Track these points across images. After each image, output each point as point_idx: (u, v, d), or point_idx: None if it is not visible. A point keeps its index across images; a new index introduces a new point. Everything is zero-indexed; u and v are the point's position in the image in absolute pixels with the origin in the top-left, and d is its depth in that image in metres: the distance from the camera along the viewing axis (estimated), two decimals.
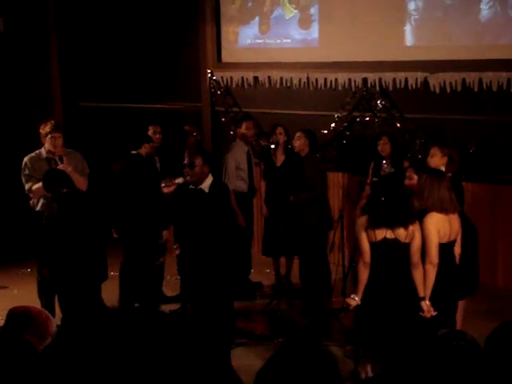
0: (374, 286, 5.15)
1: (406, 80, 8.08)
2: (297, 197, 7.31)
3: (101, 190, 6.94)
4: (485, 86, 7.61)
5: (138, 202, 6.70)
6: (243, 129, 7.73)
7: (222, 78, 9.34)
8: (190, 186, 6.11)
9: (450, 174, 5.83)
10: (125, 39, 10.02)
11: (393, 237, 5.08)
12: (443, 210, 5.16)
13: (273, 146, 7.58)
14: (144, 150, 6.89)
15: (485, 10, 7.61)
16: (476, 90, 7.67)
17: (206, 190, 6.00)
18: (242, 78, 9.20)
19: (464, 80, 7.73)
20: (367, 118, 8.37)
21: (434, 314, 5.12)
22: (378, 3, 8.22)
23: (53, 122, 6.86)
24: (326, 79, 8.62)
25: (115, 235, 7.02)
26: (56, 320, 5.15)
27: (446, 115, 7.91)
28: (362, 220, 5.20)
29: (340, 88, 8.54)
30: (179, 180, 6.19)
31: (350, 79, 8.45)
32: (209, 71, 9.39)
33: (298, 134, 7.40)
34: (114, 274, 7.22)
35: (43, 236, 6.41)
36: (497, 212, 7.66)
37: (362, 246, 5.14)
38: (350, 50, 8.38)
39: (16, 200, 7.76)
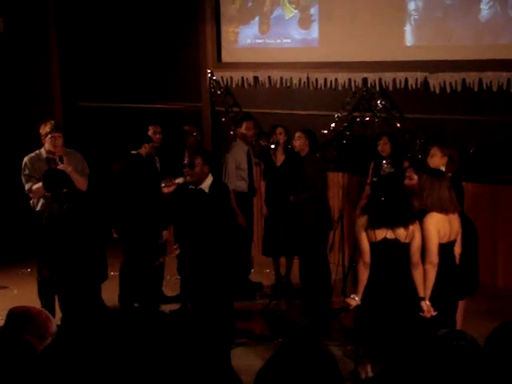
0: (374, 286, 5.14)
1: (406, 80, 8.08)
2: (297, 197, 7.31)
3: (101, 190, 6.94)
4: (485, 86, 7.61)
5: (138, 202, 6.70)
6: (243, 129, 7.73)
7: (222, 77, 9.34)
8: (190, 186, 6.10)
9: (449, 174, 5.83)
10: (125, 39, 10.02)
11: (393, 237, 5.08)
12: (443, 209, 5.16)
13: (273, 146, 7.58)
14: (144, 150, 6.89)
15: (485, 10, 7.61)
16: (476, 90, 7.67)
17: (206, 190, 6.00)
18: (242, 77, 9.20)
19: (464, 80, 7.73)
20: (367, 118, 8.37)
21: (434, 314, 5.12)
22: (377, 3, 8.22)
23: (53, 122, 6.85)
24: (326, 79, 8.62)
25: (115, 235, 7.02)
26: (56, 320, 5.15)
27: (445, 115, 7.91)
28: (362, 220, 5.20)
29: (340, 88, 8.54)
30: (179, 180, 6.19)
31: (350, 79, 8.46)
32: (209, 71, 9.39)
33: (297, 134, 7.40)
34: (114, 273, 7.23)
35: (43, 236, 6.41)
36: (497, 212, 7.66)
37: (361, 246, 5.14)
38: (350, 50, 8.38)
39: (16, 200, 7.76)
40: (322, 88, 8.66)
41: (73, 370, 1.62)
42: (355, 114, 8.48)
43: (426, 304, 5.11)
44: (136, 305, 6.89)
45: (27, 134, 9.04)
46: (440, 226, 5.15)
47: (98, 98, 10.34)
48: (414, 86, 8.04)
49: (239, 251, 7.53)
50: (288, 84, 8.90)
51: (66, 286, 6.35)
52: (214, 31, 9.32)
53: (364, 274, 5.16)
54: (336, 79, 8.55)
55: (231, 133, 8.96)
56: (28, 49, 9.98)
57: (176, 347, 1.68)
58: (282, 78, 8.93)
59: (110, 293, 6.96)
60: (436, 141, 7.16)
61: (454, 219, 5.25)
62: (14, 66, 9.92)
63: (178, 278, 7.25)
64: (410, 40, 8.18)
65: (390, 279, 5.10)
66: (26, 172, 6.67)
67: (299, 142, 7.37)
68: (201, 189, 5.99)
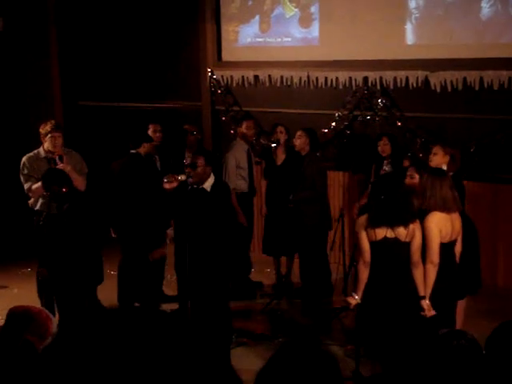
0: (375, 285, 5.14)
1: (407, 79, 8.07)
2: (296, 196, 7.30)
3: (100, 189, 6.93)
4: (486, 85, 7.61)
5: (137, 202, 6.69)
6: (243, 128, 7.72)
7: (222, 76, 9.34)
8: (193, 186, 6.08)
9: (451, 173, 5.82)
10: (125, 38, 10.01)
11: (393, 236, 5.07)
12: (445, 209, 5.15)
13: (274, 145, 7.57)
14: (143, 149, 6.88)
15: (486, 9, 7.60)
16: (477, 88, 7.67)
17: (208, 190, 5.99)
18: (243, 76, 9.20)
19: (465, 79, 7.72)
20: (368, 117, 8.36)
21: (434, 313, 5.11)
22: (378, 2, 8.22)
23: (53, 121, 6.84)
24: (326, 78, 8.61)
25: (113, 235, 7.01)
26: (56, 320, 5.14)
27: (446, 114, 7.90)
28: (362, 219, 5.19)
29: (341, 87, 8.54)
30: (182, 177, 6.17)
31: (350, 78, 8.45)
32: (209, 70, 9.38)
33: (298, 133, 7.40)
34: (113, 273, 7.23)
35: (42, 236, 6.40)
36: (497, 211, 7.66)
37: (362, 245, 5.13)
38: (351, 49, 8.38)
39: (16, 200, 7.75)
40: (323, 87, 8.66)
41: (73, 369, 1.62)
42: (356, 112, 8.47)
43: (426, 303, 5.10)
44: (136, 304, 6.88)
45: (27, 134, 9.04)
46: (442, 226, 5.14)
47: (98, 97, 10.34)
48: (414, 85, 8.03)
49: (239, 250, 7.53)
50: (288, 83, 8.89)
51: (63, 286, 6.34)
52: (214, 30, 9.31)
53: (364, 273, 5.15)
54: (337, 78, 8.54)
55: (231, 132, 8.95)
56: (28, 48, 9.97)
57: (176, 347, 1.68)
58: (282, 77, 8.92)
59: (109, 292, 6.95)
60: (438, 140, 7.15)
61: (456, 219, 5.24)
62: (13, 65, 9.91)
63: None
64: (411, 38, 8.17)
65: (390, 278, 5.10)
66: (25, 172, 6.66)
67: (300, 140, 7.36)
68: (203, 188, 5.98)
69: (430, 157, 6.27)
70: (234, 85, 9.29)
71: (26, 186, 6.66)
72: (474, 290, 6.02)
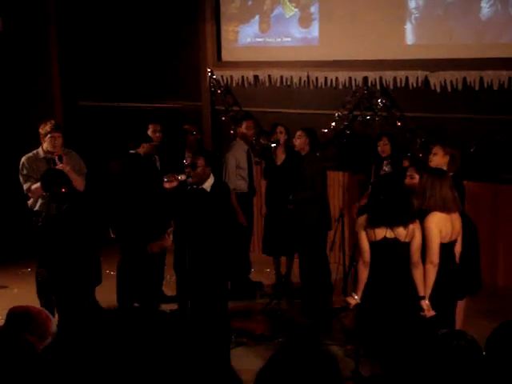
0: (375, 285, 5.14)
1: (407, 79, 8.08)
2: (296, 196, 7.30)
3: (99, 189, 6.93)
4: (485, 85, 7.61)
5: (136, 202, 6.69)
6: (243, 128, 7.72)
7: (222, 76, 9.33)
8: (193, 186, 6.08)
9: (451, 174, 5.81)
10: (125, 38, 10.01)
11: (392, 236, 5.07)
12: (446, 209, 5.15)
13: (273, 145, 7.57)
14: (142, 149, 6.87)
15: (485, 9, 7.60)
16: (477, 88, 7.67)
17: (208, 190, 5.99)
18: (242, 76, 9.20)
19: (465, 79, 7.72)
20: (368, 117, 8.36)
21: (433, 313, 5.11)
22: (378, 2, 8.22)
23: (53, 121, 6.83)
24: (326, 78, 8.61)
25: (112, 235, 7.01)
26: (56, 320, 5.15)
27: (446, 114, 7.90)
28: (362, 219, 5.19)
29: (340, 87, 8.54)
30: (182, 176, 6.17)
31: (350, 78, 8.45)
32: (209, 70, 9.38)
33: (298, 133, 7.40)
34: (112, 273, 7.22)
35: (41, 236, 6.39)
36: (497, 211, 7.66)
37: (361, 245, 5.13)
38: (351, 49, 8.38)
39: (15, 200, 7.75)
40: (323, 87, 8.66)
41: (73, 369, 1.62)
42: (356, 112, 8.47)
43: (425, 303, 5.10)
44: (136, 304, 6.88)
45: (27, 134, 9.03)
46: (442, 226, 5.14)
47: (98, 97, 10.34)
48: (414, 85, 8.03)
49: (239, 250, 7.53)
50: (288, 83, 8.89)
51: (63, 286, 6.34)
52: (214, 30, 9.31)
53: (364, 273, 5.15)
54: (336, 78, 8.55)
55: (231, 132, 8.95)
56: (28, 48, 9.97)
57: (176, 347, 1.68)
58: (282, 77, 8.92)
59: (108, 293, 6.95)
60: (438, 140, 7.15)
61: (456, 219, 5.24)
62: (13, 65, 9.90)
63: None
64: (411, 38, 8.17)
65: (389, 278, 5.10)
66: (24, 172, 6.65)
67: (299, 140, 7.36)
68: (202, 188, 5.98)
69: (429, 157, 6.27)
70: (234, 85, 9.29)
71: (25, 187, 6.65)
72: (474, 290, 6.02)
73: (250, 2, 9.16)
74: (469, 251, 5.63)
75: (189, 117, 9.21)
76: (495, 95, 7.59)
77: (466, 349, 2.78)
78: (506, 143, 7.58)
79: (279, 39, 9.00)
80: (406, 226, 5.04)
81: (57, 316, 6.33)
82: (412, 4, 8.05)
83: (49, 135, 6.61)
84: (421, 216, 5.15)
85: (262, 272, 8.20)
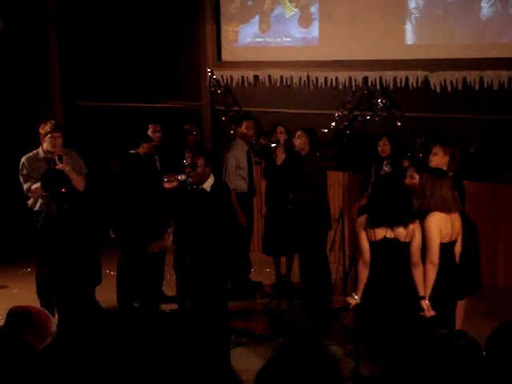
0: (375, 285, 5.14)
1: (407, 79, 8.07)
2: (296, 196, 7.30)
3: (99, 189, 6.93)
4: (486, 85, 7.61)
5: (136, 202, 6.68)
6: (243, 128, 7.72)
7: (222, 76, 9.33)
8: (193, 186, 6.08)
9: (451, 174, 5.81)
10: (125, 38, 10.01)
11: (393, 236, 5.07)
12: (446, 209, 5.15)
13: (273, 145, 7.57)
14: (142, 149, 6.87)
15: (485, 9, 7.60)
16: (477, 88, 7.67)
17: (208, 190, 5.99)
18: (242, 76, 9.19)
19: (465, 79, 7.72)
20: (368, 117, 8.36)
21: (433, 313, 5.11)
22: (378, 2, 8.22)
23: (53, 121, 6.83)
24: (326, 78, 8.61)
25: (112, 235, 7.01)
26: (56, 320, 5.14)
27: (446, 114, 7.90)
28: (362, 219, 5.19)
29: (340, 87, 8.54)
30: (182, 176, 6.17)
31: (350, 78, 8.45)
32: (209, 70, 9.38)
33: (298, 133, 7.39)
34: (112, 273, 7.23)
35: (41, 236, 6.39)
36: (497, 211, 7.66)
37: (361, 245, 5.13)
38: (351, 49, 8.38)
39: (15, 200, 7.75)
40: (323, 87, 8.66)
41: (73, 369, 1.62)
42: (356, 112, 8.47)
43: (425, 303, 5.10)
44: (136, 304, 6.88)
45: (27, 134, 9.03)
46: (442, 226, 5.14)
47: (98, 98, 10.33)
48: (414, 85, 8.03)
49: (239, 251, 7.52)
50: (288, 83, 8.89)
51: (63, 286, 6.34)
52: (214, 30, 9.31)
53: (364, 273, 5.15)
54: (336, 78, 8.54)
55: (231, 132, 8.95)
56: (28, 48, 9.97)
57: (176, 347, 1.68)
58: (282, 77, 8.92)
59: (108, 293, 6.95)
60: (438, 140, 7.15)
61: (456, 219, 5.24)
62: (13, 65, 9.90)
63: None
64: (411, 38, 8.17)
65: (389, 278, 5.09)
66: (24, 172, 6.65)
67: (299, 140, 7.36)
68: (202, 188, 5.98)
69: (429, 157, 6.27)
70: (234, 85, 9.29)
71: (25, 187, 6.65)
72: (474, 290, 6.02)
73: (250, 2, 9.16)
74: (469, 251, 5.63)
75: (189, 117, 9.21)
76: (495, 95, 7.59)
77: (466, 349, 2.78)
78: (506, 143, 7.58)
79: (279, 39, 9.00)
80: (405, 226, 5.04)
81: (57, 316, 6.33)
82: (412, 4, 8.05)
83: (49, 135, 6.61)
84: (421, 216, 5.15)
85: (262, 272, 8.20)
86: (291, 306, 7.40)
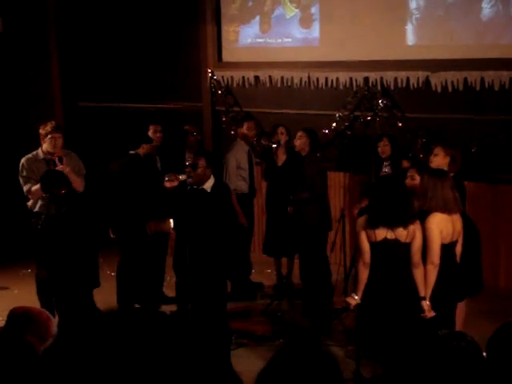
0: (375, 286, 5.13)
1: (408, 79, 8.06)
2: (296, 196, 7.29)
3: (98, 189, 6.92)
4: (486, 85, 7.60)
5: (136, 203, 6.68)
6: (244, 129, 7.71)
7: (222, 77, 9.32)
8: (193, 186, 6.08)
9: (451, 174, 5.80)
10: (125, 39, 10.00)
11: (393, 237, 5.06)
12: (446, 210, 5.14)
13: (274, 146, 7.57)
14: (142, 150, 6.87)
15: (486, 9, 7.60)
16: (478, 89, 7.66)
17: (208, 190, 5.99)
18: (243, 77, 9.19)
19: (466, 79, 7.71)
20: (369, 118, 8.36)
21: (433, 314, 5.10)
22: (378, 2, 8.21)
23: (53, 122, 6.83)
24: (327, 78, 8.60)
25: (112, 235, 7.00)
26: (56, 321, 5.13)
27: (447, 114, 7.89)
28: (362, 220, 5.19)
29: (341, 87, 8.53)
30: (183, 176, 6.17)
31: (351, 78, 8.44)
32: (209, 71, 9.37)
33: (299, 134, 7.39)
34: (113, 274, 7.22)
35: (41, 237, 6.38)
36: (498, 212, 7.65)
37: (361, 246, 5.13)
38: (351, 49, 8.37)
39: (16, 200, 7.75)
40: (323, 87, 8.65)
41: (73, 371, 1.61)
42: (356, 113, 8.46)
43: (426, 304, 5.09)
44: (137, 305, 6.87)
45: (27, 134, 9.03)
46: (443, 226, 5.13)
47: (98, 98, 10.33)
48: (415, 85, 8.02)
49: (239, 251, 7.52)
50: (289, 83, 8.88)
51: (62, 287, 6.33)
52: (215, 31, 9.30)
53: (364, 274, 5.14)
54: (337, 78, 8.53)
55: (232, 132, 8.94)
56: (28, 48, 9.96)
57: (176, 348, 1.67)
58: (282, 78, 8.91)
59: (108, 294, 6.94)
60: (439, 140, 7.14)
61: (457, 219, 5.23)
62: (13, 65, 9.90)
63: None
64: (412, 39, 8.16)
65: (390, 279, 5.09)
66: (24, 173, 6.64)
67: (300, 141, 7.35)
68: (203, 189, 5.98)
69: (430, 158, 6.26)
70: (235, 85, 9.28)
71: (25, 188, 6.64)
72: (475, 291, 6.01)
73: (250, 3, 9.15)
74: (470, 252, 5.62)
75: (189, 117, 9.20)
76: (496, 96, 7.58)
77: (466, 350, 2.77)
78: (507, 144, 7.57)
79: (280, 40, 8.99)
80: (405, 226, 5.03)
81: (57, 317, 6.32)
82: (413, 4, 8.04)
83: (49, 136, 6.61)
84: (422, 217, 5.14)
85: (263, 273, 8.19)
86: (292, 307, 7.39)
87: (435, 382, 2.72)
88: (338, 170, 8.49)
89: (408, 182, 5.60)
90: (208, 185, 5.98)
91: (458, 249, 5.38)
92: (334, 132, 8.56)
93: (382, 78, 8.22)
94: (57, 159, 6.55)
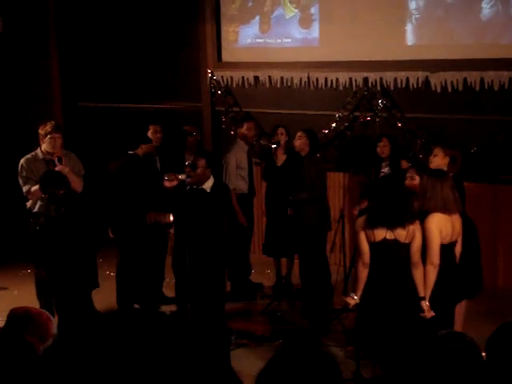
0: (375, 286, 5.13)
1: (407, 79, 8.06)
2: (295, 196, 7.29)
3: (97, 190, 6.92)
4: (486, 86, 7.60)
5: (135, 203, 6.68)
6: (244, 129, 7.71)
7: (222, 77, 9.32)
8: (193, 186, 6.08)
9: (451, 175, 5.80)
10: (124, 39, 10.00)
11: (392, 237, 5.06)
12: (446, 210, 5.14)
13: (274, 146, 7.56)
14: (141, 150, 6.87)
15: (486, 9, 7.60)
16: (477, 89, 7.66)
17: (208, 190, 5.99)
18: (243, 77, 9.18)
19: (465, 79, 7.71)
20: (368, 118, 8.35)
21: (433, 314, 5.10)
22: (378, 2, 8.21)
23: (53, 122, 6.82)
24: (326, 79, 8.60)
25: (111, 235, 7.00)
26: (56, 321, 5.13)
27: (447, 115, 7.89)
28: (361, 220, 5.19)
29: (341, 87, 8.53)
30: (182, 176, 6.17)
31: (350, 79, 8.44)
32: (209, 71, 9.37)
33: (298, 134, 7.39)
34: (113, 274, 7.21)
35: (40, 238, 6.38)
36: (497, 212, 7.65)
37: (361, 246, 5.13)
38: (351, 50, 8.37)
39: (15, 201, 7.74)
40: (323, 88, 8.65)
41: (73, 371, 1.61)
42: (356, 113, 8.46)
43: (425, 304, 5.09)
44: (136, 306, 6.87)
45: (26, 135, 9.03)
46: (442, 227, 5.13)
47: (98, 98, 10.33)
48: (415, 86, 8.02)
49: (239, 252, 7.52)
50: (289, 84, 8.88)
51: (62, 289, 6.32)
52: (214, 31, 9.30)
53: (363, 274, 5.15)
54: (337, 79, 8.53)
55: (231, 133, 8.94)
56: (27, 48, 9.96)
57: (176, 348, 1.67)
58: (282, 78, 8.91)
59: (108, 294, 6.94)
60: (439, 141, 7.14)
61: (456, 220, 5.23)
62: (13, 65, 9.90)
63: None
64: (411, 39, 8.16)
65: (389, 280, 5.09)
66: (24, 174, 6.63)
67: (299, 141, 7.35)
68: (202, 188, 5.98)
69: (430, 158, 6.26)
70: (234, 86, 9.28)
71: (24, 189, 6.64)
72: (474, 292, 6.01)
73: (250, 3, 9.15)
74: (469, 252, 5.62)
75: (189, 118, 9.20)
76: (496, 96, 7.58)
77: (465, 351, 2.77)
78: (507, 144, 7.57)
79: (279, 40, 8.99)
80: (403, 226, 5.03)
81: (56, 317, 6.31)
82: (412, 5, 8.04)
83: (49, 136, 6.60)
84: (421, 217, 5.14)
85: (263, 273, 8.19)
86: (292, 308, 7.39)
87: (434, 383, 2.72)
88: (338, 170, 8.49)
89: (407, 182, 5.60)
90: (207, 185, 5.98)
91: (458, 249, 5.38)
92: (334, 132, 8.56)
93: (381, 79, 8.22)
94: (56, 159, 6.55)
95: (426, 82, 7.95)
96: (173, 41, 9.67)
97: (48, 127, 6.63)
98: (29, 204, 6.70)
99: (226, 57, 9.37)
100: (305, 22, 8.79)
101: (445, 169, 5.98)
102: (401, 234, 5.05)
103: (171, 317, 1.78)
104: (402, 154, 7.25)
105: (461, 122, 7.82)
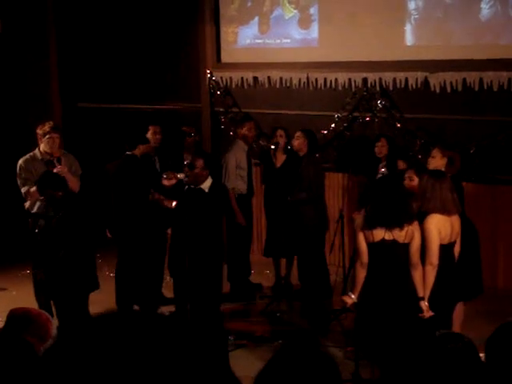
0: (374, 286, 5.13)
1: (407, 80, 8.07)
2: (294, 197, 7.29)
3: (95, 190, 6.92)
4: (485, 86, 7.60)
5: (133, 203, 6.67)
6: (245, 130, 7.69)
7: (221, 78, 9.32)
8: (191, 186, 6.08)
9: (449, 175, 5.80)
10: (124, 39, 10.00)
11: (391, 238, 5.06)
12: (445, 211, 5.14)
13: (273, 147, 7.56)
14: (138, 150, 6.86)
15: (485, 10, 7.60)
16: (476, 89, 7.66)
17: (206, 190, 5.99)
18: (242, 78, 9.18)
19: (464, 80, 7.71)
20: (367, 119, 8.36)
21: (432, 314, 5.10)
22: (377, 3, 8.21)
23: (51, 122, 6.82)
24: (325, 79, 8.60)
25: (109, 235, 6.99)
26: (55, 322, 5.13)
27: (446, 115, 7.89)
28: (359, 221, 5.19)
29: (340, 88, 8.53)
30: (181, 175, 6.18)
31: (349, 79, 8.44)
32: (208, 71, 9.37)
33: (297, 134, 7.39)
34: (112, 275, 7.21)
35: (38, 239, 6.37)
36: (497, 212, 7.65)
37: (359, 246, 5.13)
38: (350, 50, 8.37)
39: (14, 201, 7.74)
40: (322, 88, 8.65)
41: (73, 372, 1.61)
42: (355, 114, 8.46)
43: (424, 304, 5.09)
44: (136, 307, 6.86)
45: (25, 135, 9.02)
46: (441, 227, 5.13)
47: (97, 99, 10.33)
48: (414, 86, 8.02)
49: (239, 252, 7.52)
50: (288, 84, 8.88)
51: (61, 290, 6.32)
52: (214, 31, 9.30)
53: (361, 274, 5.15)
54: (336, 79, 8.53)
55: (231, 133, 8.94)
56: (27, 49, 9.96)
57: (175, 349, 1.67)
58: (281, 78, 8.91)
59: (107, 295, 6.93)
60: (437, 142, 7.15)
61: (455, 220, 5.23)
62: (12, 66, 9.89)
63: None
64: (411, 40, 8.16)
65: (388, 280, 5.09)
66: (22, 175, 6.62)
67: (298, 141, 7.35)
68: (200, 188, 5.98)
69: (428, 159, 6.27)
70: (234, 86, 9.28)
71: (23, 190, 6.63)
72: (474, 294, 6.01)
73: (249, 4, 9.15)
74: (469, 254, 5.62)
75: (188, 118, 9.20)
76: (495, 96, 7.58)
77: (463, 351, 2.77)
78: (506, 144, 7.57)
79: (278, 40, 8.99)
80: (401, 227, 5.02)
81: (56, 318, 6.31)
82: (411, 5, 8.04)
83: (47, 136, 6.60)
84: (420, 218, 5.14)
85: (262, 274, 8.19)
86: (291, 308, 7.39)
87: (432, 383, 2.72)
88: (337, 170, 8.49)
89: (406, 183, 5.60)
90: (205, 185, 5.98)
91: (456, 249, 5.38)
92: (333, 133, 8.56)
93: (380, 79, 8.22)
94: (55, 160, 6.54)
95: (425, 82, 7.95)
96: (172, 41, 9.67)
97: (46, 127, 6.63)
98: (27, 205, 6.69)
99: (226, 57, 9.38)
100: (304, 22, 8.79)
101: (443, 170, 5.98)
102: (399, 235, 5.05)
103: (170, 317, 1.78)
104: (399, 154, 7.25)
105: (460, 123, 7.82)
